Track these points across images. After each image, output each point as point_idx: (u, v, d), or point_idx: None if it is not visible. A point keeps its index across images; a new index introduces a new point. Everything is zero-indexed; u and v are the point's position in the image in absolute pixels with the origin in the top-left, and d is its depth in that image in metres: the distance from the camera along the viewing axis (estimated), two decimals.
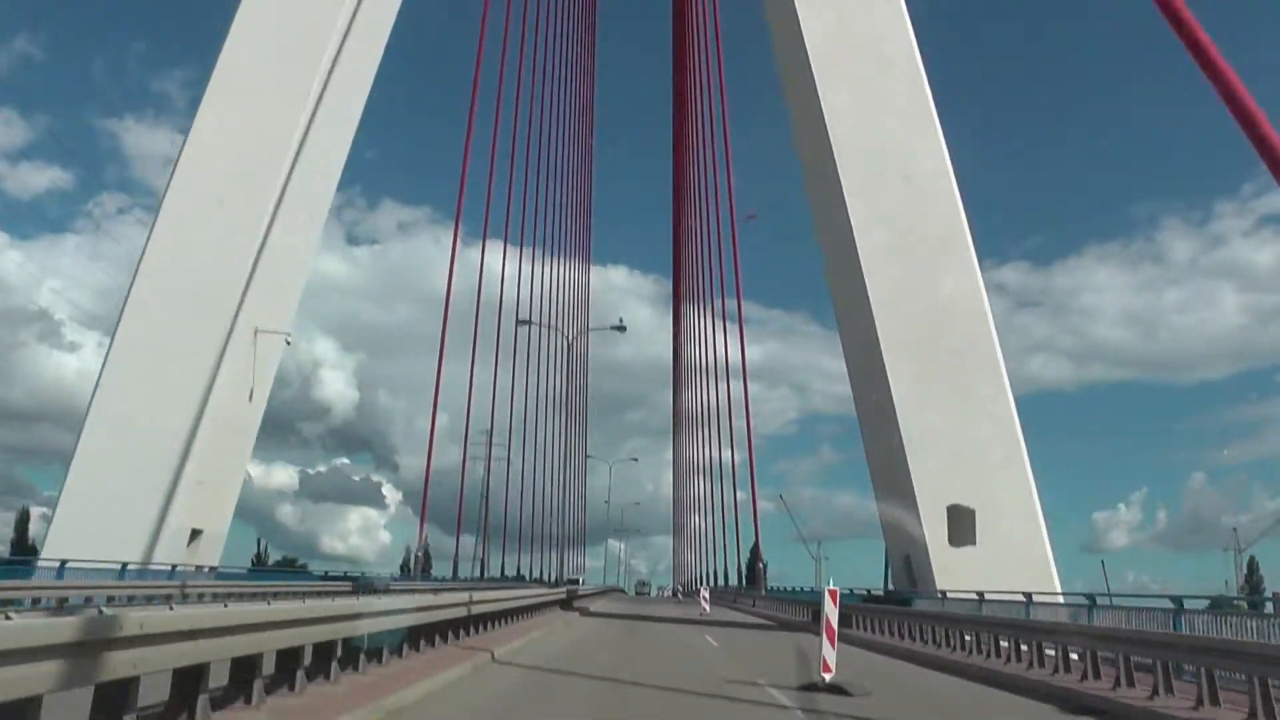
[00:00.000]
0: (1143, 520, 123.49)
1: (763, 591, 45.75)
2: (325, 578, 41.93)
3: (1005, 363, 27.64)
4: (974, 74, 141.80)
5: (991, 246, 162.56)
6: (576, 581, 69.88)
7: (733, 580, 59.95)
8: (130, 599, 20.02)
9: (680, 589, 69.69)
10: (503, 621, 19.32)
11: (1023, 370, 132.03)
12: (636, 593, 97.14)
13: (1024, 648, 15.54)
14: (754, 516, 49.20)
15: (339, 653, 9.31)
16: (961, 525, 26.27)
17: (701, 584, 63.32)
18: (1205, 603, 14.70)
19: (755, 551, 54.67)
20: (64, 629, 4.91)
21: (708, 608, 38.31)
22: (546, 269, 62.57)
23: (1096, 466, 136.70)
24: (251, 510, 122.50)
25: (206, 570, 29.06)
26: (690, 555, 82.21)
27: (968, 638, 18.02)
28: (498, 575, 57.58)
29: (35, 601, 18.20)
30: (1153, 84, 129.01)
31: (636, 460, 76.74)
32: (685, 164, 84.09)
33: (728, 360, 54.01)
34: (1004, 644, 16.39)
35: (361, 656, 10.10)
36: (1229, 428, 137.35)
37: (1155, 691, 11.32)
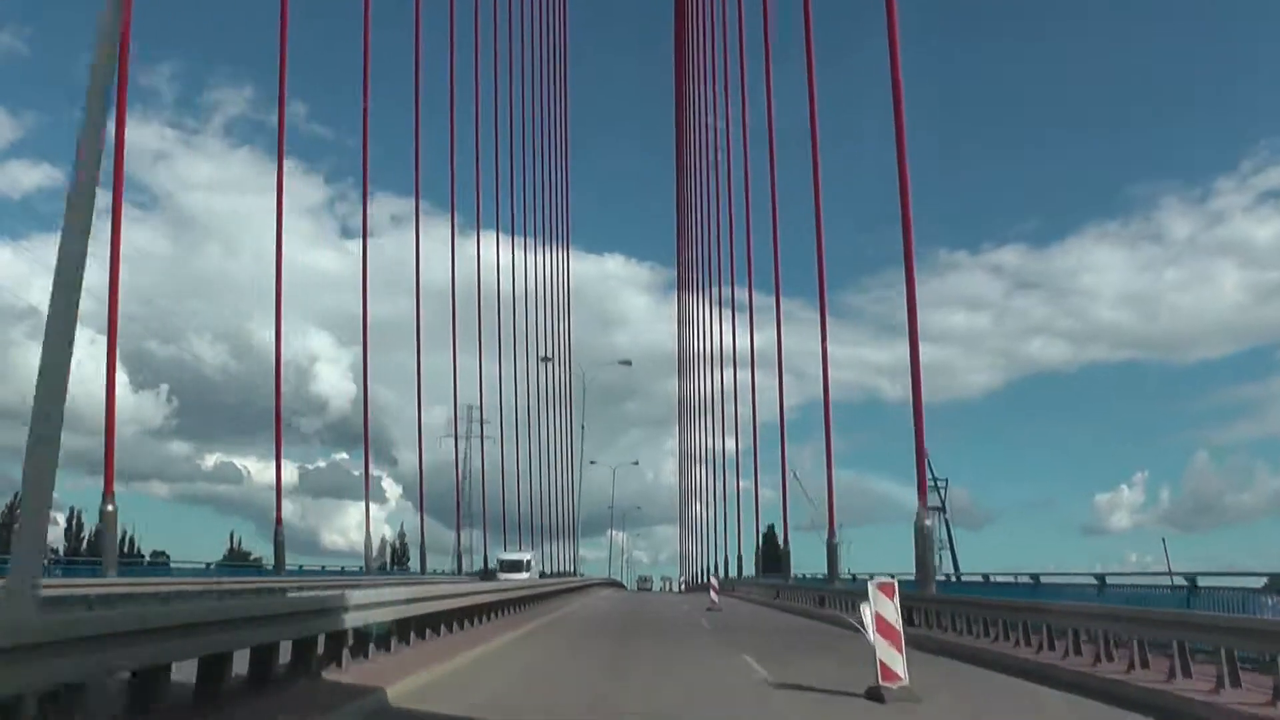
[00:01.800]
0: (1145, 501, 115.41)
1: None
2: None
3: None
4: (971, 60, 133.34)
5: (988, 228, 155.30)
6: (520, 565, 47.60)
7: (733, 569, 55.19)
8: None
9: (715, 585, 39.15)
10: None
11: (1021, 352, 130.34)
12: (638, 588, 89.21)
13: None
14: (784, 496, 42.57)
15: None
16: None
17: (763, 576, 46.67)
18: None
19: (764, 538, 51.65)
20: None
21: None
22: (529, 245, 65.22)
23: (1099, 448, 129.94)
24: (251, 506, 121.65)
25: None
26: (696, 545, 76.61)
27: None
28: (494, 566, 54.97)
29: None
30: (1149, 62, 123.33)
31: (630, 364, 70.04)
32: (686, 141, 79.77)
33: (735, 345, 52.29)
34: None
35: None
36: (1231, 406, 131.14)
37: None
